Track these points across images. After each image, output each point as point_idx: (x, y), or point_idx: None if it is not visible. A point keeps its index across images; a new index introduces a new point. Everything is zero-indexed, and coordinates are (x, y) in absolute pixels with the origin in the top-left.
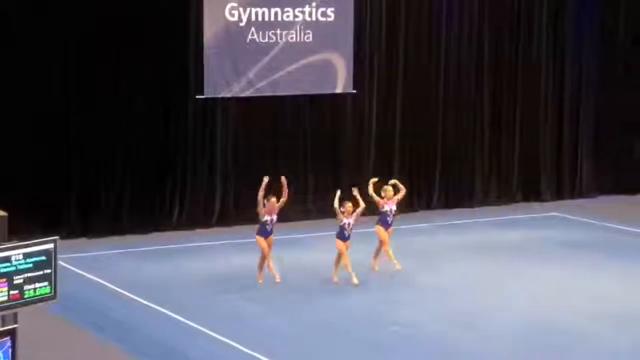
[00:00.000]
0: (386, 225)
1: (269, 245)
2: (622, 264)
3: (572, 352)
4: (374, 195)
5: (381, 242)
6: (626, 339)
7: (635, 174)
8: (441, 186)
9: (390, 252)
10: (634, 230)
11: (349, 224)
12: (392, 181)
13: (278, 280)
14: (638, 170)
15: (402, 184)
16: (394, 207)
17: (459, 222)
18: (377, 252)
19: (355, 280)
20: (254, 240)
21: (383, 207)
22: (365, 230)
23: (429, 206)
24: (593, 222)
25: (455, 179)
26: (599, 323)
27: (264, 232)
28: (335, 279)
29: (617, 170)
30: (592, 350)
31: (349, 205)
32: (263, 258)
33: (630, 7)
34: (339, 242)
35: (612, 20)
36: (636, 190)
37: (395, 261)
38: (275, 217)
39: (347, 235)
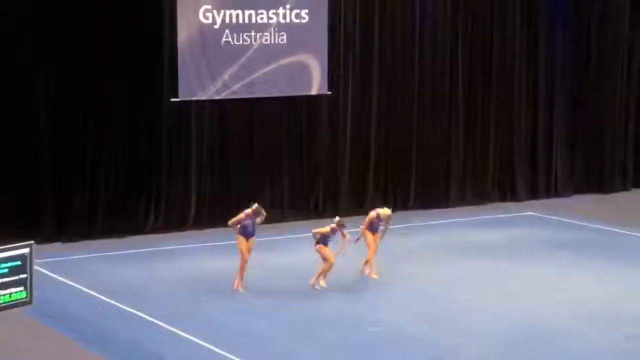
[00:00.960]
0: (373, 230)
1: (249, 249)
2: (598, 263)
3: (552, 350)
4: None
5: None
6: (604, 338)
7: (609, 173)
8: (417, 187)
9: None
10: (609, 229)
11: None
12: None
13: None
14: (612, 169)
15: (378, 184)
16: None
17: (435, 222)
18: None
19: (322, 284)
20: (230, 242)
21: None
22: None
23: (405, 207)
24: (568, 221)
25: (431, 179)
26: (578, 322)
27: (247, 233)
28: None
29: (591, 169)
30: (571, 349)
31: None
32: (244, 262)
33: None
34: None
35: (585, 24)
36: (610, 189)
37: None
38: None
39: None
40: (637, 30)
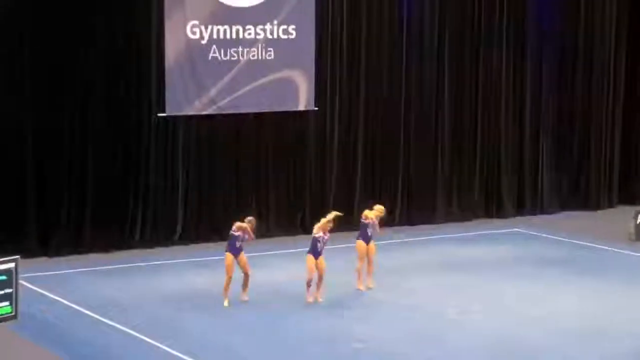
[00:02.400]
0: (366, 239)
1: (321, 267)
2: (584, 279)
3: None
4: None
5: (361, 259)
6: (588, 355)
7: (595, 189)
8: (403, 203)
9: (361, 270)
10: (595, 245)
11: (323, 238)
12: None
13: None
14: (598, 185)
15: (365, 199)
16: (376, 222)
17: (422, 238)
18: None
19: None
20: (216, 258)
21: (366, 218)
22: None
23: (391, 223)
24: (555, 237)
25: (418, 195)
26: (561, 338)
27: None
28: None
29: (577, 186)
30: None
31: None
32: (228, 279)
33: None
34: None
35: (572, 38)
36: (596, 205)
37: (360, 281)
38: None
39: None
40: (622, 50)
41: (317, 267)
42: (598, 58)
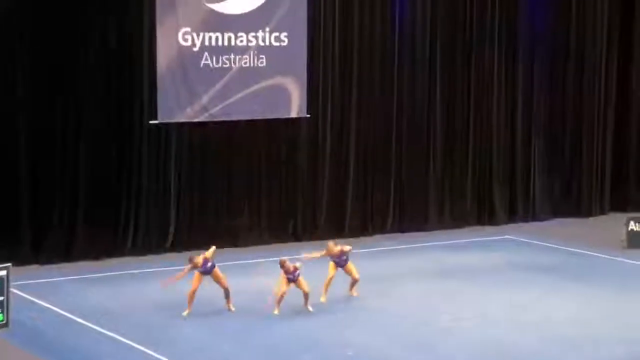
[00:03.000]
0: (341, 264)
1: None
2: (576, 286)
3: None
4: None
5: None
6: None
7: (587, 196)
8: (395, 210)
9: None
10: (587, 252)
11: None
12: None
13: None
14: (589, 193)
15: (357, 207)
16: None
17: (413, 245)
18: (353, 284)
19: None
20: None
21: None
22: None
23: (383, 230)
24: (547, 244)
25: (409, 202)
26: (553, 345)
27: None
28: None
29: (570, 191)
30: None
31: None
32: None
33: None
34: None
35: (563, 39)
36: (588, 212)
37: (323, 293)
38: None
39: None
40: (614, 50)
41: (299, 287)
42: (590, 59)
